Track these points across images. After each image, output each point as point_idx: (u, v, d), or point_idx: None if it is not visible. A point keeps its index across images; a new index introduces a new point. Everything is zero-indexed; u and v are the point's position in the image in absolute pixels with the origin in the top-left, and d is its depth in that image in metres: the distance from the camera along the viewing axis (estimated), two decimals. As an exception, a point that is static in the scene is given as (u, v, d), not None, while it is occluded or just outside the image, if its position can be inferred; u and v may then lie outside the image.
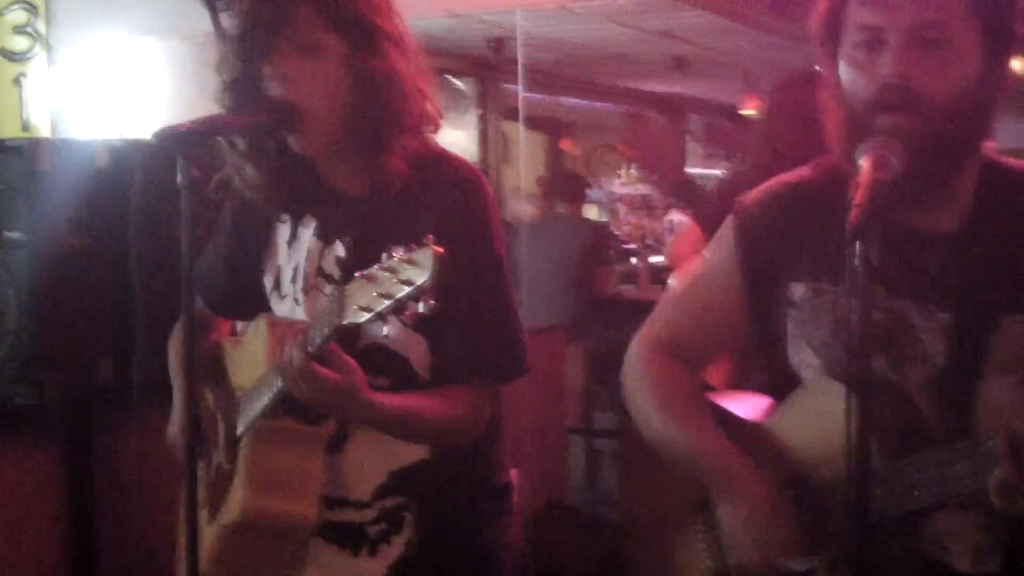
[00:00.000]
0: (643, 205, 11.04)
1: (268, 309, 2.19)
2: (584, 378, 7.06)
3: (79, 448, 3.47)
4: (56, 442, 3.45)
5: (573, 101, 10.65)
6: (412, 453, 2.09)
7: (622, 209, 11.07)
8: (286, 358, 1.86)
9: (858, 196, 1.53)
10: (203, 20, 4.25)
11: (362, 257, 1.93)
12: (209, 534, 2.10)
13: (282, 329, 2.01)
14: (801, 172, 1.96)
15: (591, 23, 7.13)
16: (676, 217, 9.74)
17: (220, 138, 2.07)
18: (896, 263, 1.77)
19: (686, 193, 11.24)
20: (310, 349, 1.82)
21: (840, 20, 1.79)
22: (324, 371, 1.84)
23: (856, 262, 1.48)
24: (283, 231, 2.20)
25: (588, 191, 9.40)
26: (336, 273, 2.10)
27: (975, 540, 1.76)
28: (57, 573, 3.43)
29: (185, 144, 1.84)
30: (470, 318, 2.02)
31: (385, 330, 1.71)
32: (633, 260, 9.29)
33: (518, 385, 2.14)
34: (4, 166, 3.32)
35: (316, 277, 2.13)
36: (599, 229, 8.20)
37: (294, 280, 2.16)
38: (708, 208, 4.14)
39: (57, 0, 5.23)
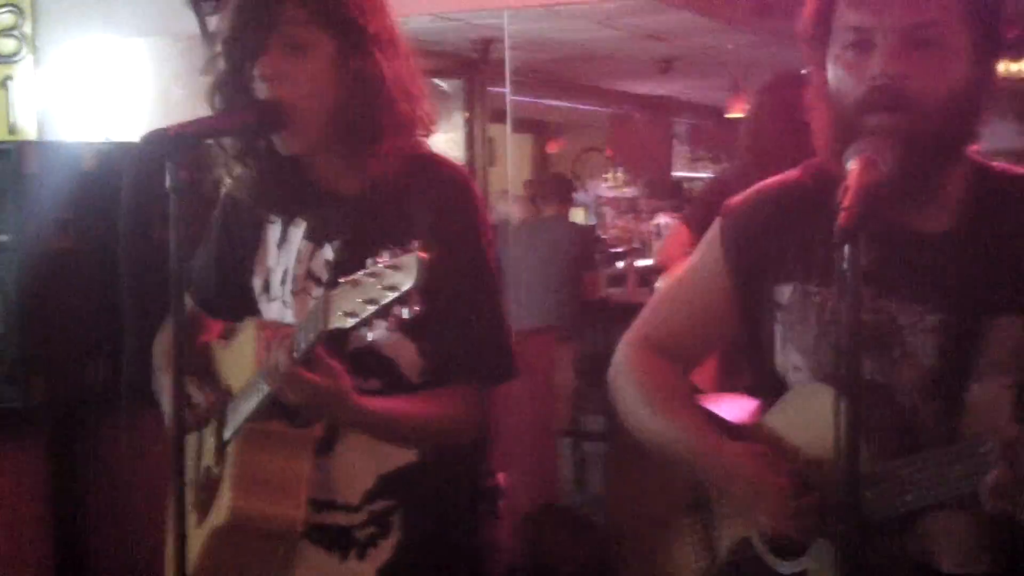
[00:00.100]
0: (630, 208, 11.06)
1: (258, 310, 2.19)
2: (573, 380, 7.06)
3: (67, 450, 3.47)
4: (44, 444, 3.45)
5: (560, 103, 10.65)
6: (401, 456, 2.09)
7: (609, 212, 11.08)
8: (272, 362, 1.86)
9: (847, 198, 1.53)
10: (189, 22, 4.26)
11: (351, 259, 1.93)
12: (198, 537, 2.10)
13: (269, 332, 2.01)
14: (789, 174, 1.96)
15: (578, 25, 7.13)
16: (663, 220, 9.76)
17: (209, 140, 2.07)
18: (885, 264, 1.77)
19: (673, 195, 11.27)
20: (295, 354, 1.82)
21: (829, 21, 1.79)
22: (310, 375, 1.84)
23: (845, 265, 1.49)
24: (273, 232, 2.20)
25: (575, 194, 9.40)
26: (324, 276, 2.10)
27: (962, 542, 1.77)
28: (43, 571, 3.43)
29: (173, 147, 1.83)
30: (459, 321, 2.02)
31: (371, 335, 1.72)
32: (620, 263, 9.29)
33: (506, 388, 2.14)
34: (-9, 169, 3.32)
35: (305, 280, 2.13)
36: (586, 232, 8.21)
37: (283, 282, 2.16)
38: (696, 210, 4.16)
39: (43, 2, 5.22)
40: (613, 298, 7.80)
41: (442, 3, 5.65)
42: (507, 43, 6.34)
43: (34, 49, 5.20)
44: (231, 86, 2.03)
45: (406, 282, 1.63)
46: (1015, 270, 1.76)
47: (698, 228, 2.65)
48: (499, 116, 7.48)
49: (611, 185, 11.51)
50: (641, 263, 8.64)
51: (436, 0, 5.49)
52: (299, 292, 2.13)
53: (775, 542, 1.88)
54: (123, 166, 3.41)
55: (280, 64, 1.99)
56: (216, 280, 2.30)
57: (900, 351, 1.78)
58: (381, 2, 2.08)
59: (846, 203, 1.52)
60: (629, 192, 11.34)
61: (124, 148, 3.48)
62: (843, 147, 1.67)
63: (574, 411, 7.12)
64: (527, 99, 9.20)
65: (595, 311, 7.16)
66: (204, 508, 2.14)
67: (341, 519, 2.11)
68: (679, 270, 2.14)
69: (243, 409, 2.02)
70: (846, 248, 1.48)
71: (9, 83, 5.19)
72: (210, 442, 2.16)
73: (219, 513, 2.05)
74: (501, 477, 2.25)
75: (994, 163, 1.86)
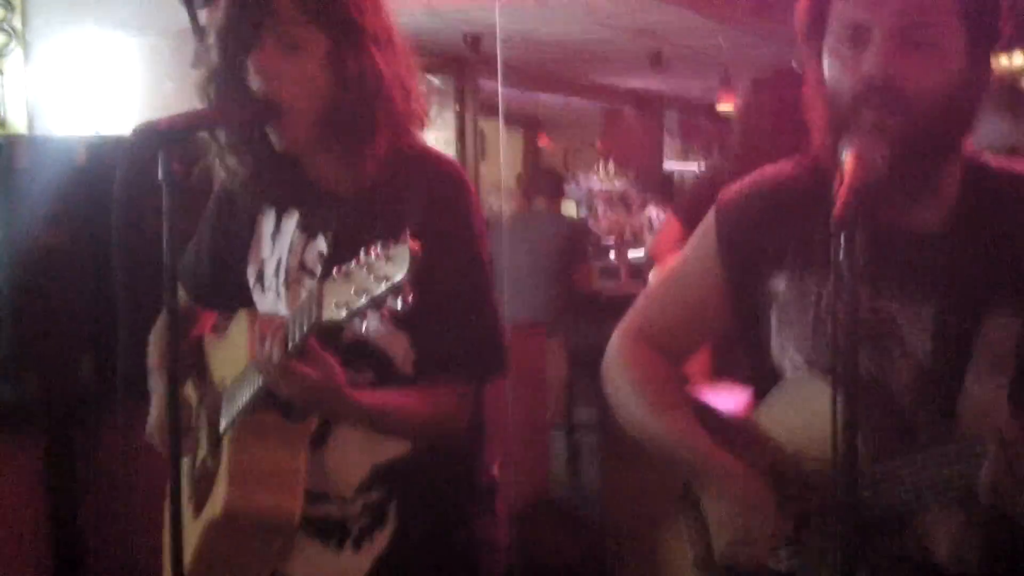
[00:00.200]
0: (621, 201, 11.07)
1: (252, 301, 2.19)
2: (565, 374, 7.07)
3: (61, 445, 3.46)
4: (38, 439, 3.44)
5: (551, 98, 10.66)
6: (395, 447, 2.09)
7: (600, 205, 11.09)
8: (264, 354, 1.86)
9: (842, 191, 1.53)
10: (180, 16, 4.24)
11: (343, 252, 1.92)
12: (194, 530, 2.10)
13: (262, 324, 2.01)
14: (783, 167, 1.96)
15: (569, 19, 7.14)
16: (654, 213, 9.78)
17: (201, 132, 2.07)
18: (880, 261, 1.77)
19: (664, 189, 11.29)
20: (288, 346, 1.82)
21: (824, 15, 1.78)
22: (302, 368, 1.84)
23: (840, 257, 1.49)
24: (267, 223, 2.20)
25: (566, 188, 9.42)
26: (317, 268, 2.10)
27: (955, 538, 1.77)
28: (40, 570, 3.42)
29: (165, 140, 1.83)
30: (451, 315, 2.02)
31: (364, 326, 1.71)
32: (612, 256, 9.31)
33: (499, 381, 2.14)
34: (-19, 163, 3.31)
35: (298, 271, 2.13)
36: (578, 226, 8.21)
37: (277, 273, 2.16)
38: (688, 203, 4.16)
39: (33, -4, 5.22)
40: (605, 291, 7.81)
41: (434, -2, 5.65)
42: (499, 37, 6.33)
43: (24, 43, 5.19)
44: (225, 78, 2.02)
45: (398, 273, 1.63)
46: (1012, 268, 1.76)
47: (689, 221, 2.65)
48: (490, 111, 7.49)
49: (602, 178, 11.52)
50: (633, 255, 8.66)
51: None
52: (292, 284, 2.13)
53: None
54: (114, 160, 3.40)
55: (274, 62, 1.98)
56: (210, 272, 2.30)
57: (895, 348, 1.78)
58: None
59: (842, 195, 1.52)
60: (620, 185, 11.34)
61: (115, 142, 3.47)
62: (838, 141, 1.67)
63: (567, 404, 7.14)
64: (519, 93, 9.21)
65: (587, 304, 7.16)
66: (200, 501, 2.14)
67: (335, 511, 2.11)
68: (671, 262, 2.14)
69: (237, 401, 2.02)
70: (842, 239, 1.48)
71: (-1, 77, 5.18)
72: (205, 435, 2.16)
73: (215, 506, 2.05)
74: (496, 470, 2.26)
75: (991, 159, 1.86)
